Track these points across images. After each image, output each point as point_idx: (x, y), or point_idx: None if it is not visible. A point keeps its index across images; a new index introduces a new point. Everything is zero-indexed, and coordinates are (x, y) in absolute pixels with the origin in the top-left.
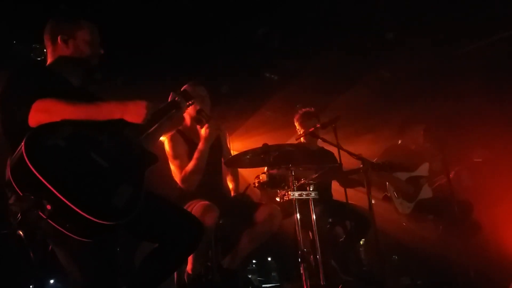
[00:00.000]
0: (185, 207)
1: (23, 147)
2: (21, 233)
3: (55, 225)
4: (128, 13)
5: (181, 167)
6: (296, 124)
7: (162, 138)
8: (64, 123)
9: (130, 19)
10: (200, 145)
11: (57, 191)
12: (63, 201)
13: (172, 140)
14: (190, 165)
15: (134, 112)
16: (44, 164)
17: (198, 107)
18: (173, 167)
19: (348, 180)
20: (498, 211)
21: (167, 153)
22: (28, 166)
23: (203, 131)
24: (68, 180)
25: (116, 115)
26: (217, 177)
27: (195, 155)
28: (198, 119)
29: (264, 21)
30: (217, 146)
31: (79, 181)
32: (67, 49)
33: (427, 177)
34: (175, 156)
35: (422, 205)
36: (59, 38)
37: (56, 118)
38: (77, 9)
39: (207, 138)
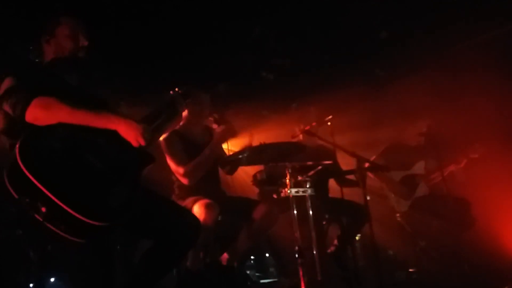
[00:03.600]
0: (184, 204)
1: (17, 150)
2: (20, 233)
3: (51, 227)
4: (125, 13)
5: (181, 162)
6: (297, 127)
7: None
8: (59, 125)
9: (127, 19)
10: (211, 144)
11: (51, 193)
12: (57, 203)
13: (167, 139)
14: (196, 161)
15: (128, 130)
16: (38, 166)
17: (200, 112)
18: (171, 163)
19: (344, 179)
20: (493, 207)
21: (164, 151)
22: (22, 168)
23: (216, 132)
24: (62, 182)
25: (112, 127)
26: (214, 174)
27: (204, 151)
28: (216, 121)
29: (260, 21)
30: None
31: (73, 182)
32: (51, 49)
33: (422, 175)
34: (173, 153)
35: (418, 202)
36: (42, 40)
37: (53, 116)
38: (71, 9)
39: (220, 139)
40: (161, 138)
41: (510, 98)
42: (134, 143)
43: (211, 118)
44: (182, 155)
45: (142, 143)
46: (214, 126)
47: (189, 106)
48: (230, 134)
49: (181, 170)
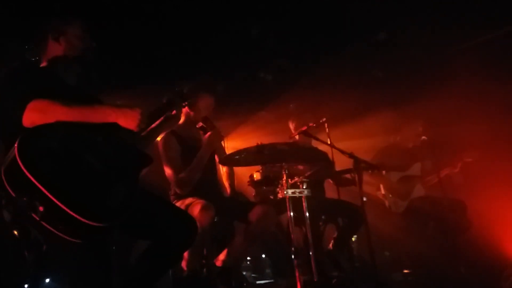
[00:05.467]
0: (180, 205)
1: (16, 148)
2: (15, 232)
3: (48, 227)
4: (124, 13)
5: (175, 170)
6: (291, 125)
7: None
8: (58, 124)
9: (126, 19)
10: (200, 152)
11: (49, 192)
12: (55, 202)
13: (165, 142)
14: (188, 171)
15: (127, 119)
16: (37, 165)
17: (203, 114)
18: (167, 169)
19: (341, 179)
20: (488, 208)
21: (160, 154)
22: (21, 167)
23: (204, 138)
24: (61, 181)
25: (111, 119)
26: (213, 176)
27: (194, 161)
28: (202, 127)
29: (259, 21)
30: None
31: (72, 182)
32: (59, 47)
33: (419, 177)
34: (169, 159)
35: (415, 203)
36: (49, 37)
37: (51, 118)
38: (69, 8)
39: (207, 146)
40: (158, 138)
41: (506, 102)
42: (136, 129)
43: (197, 126)
44: (177, 162)
45: (143, 126)
46: (201, 133)
47: (189, 106)
48: (217, 139)
49: (176, 179)
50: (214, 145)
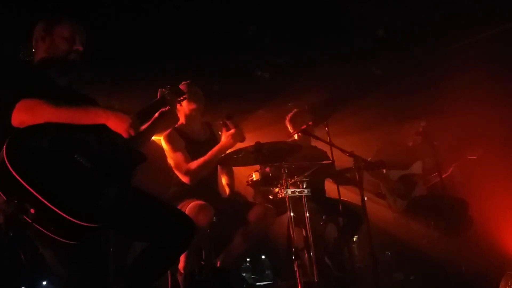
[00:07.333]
0: (179, 206)
1: (4, 150)
2: (11, 234)
3: (40, 228)
4: (118, 12)
5: (184, 159)
6: (289, 125)
7: (156, 138)
8: (48, 125)
9: (120, 18)
10: (218, 146)
11: (39, 194)
12: (46, 204)
13: (169, 137)
14: (201, 160)
15: (118, 122)
16: (26, 167)
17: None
18: (174, 160)
19: (341, 178)
20: (490, 207)
21: (165, 150)
22: (10, 170)
23: (224, 136)
24: (51, 183)
25: (101, 121)
26: (212, 176)
27: (210, 152)
28: (225, 123)
29: (257, 19)
30: (211, 144)
31: (62, 183)
32: (43, 46)
33: (420, 175)
34: (175, 150)
35: (415, 202)
36: (37, 37)
37: (40, 118)
38: (63, 8)
39: (228, 143)
40: (161, 138)
41: (509, 98)
42: (125, 135)
43: (220, 122)
44: (184, 152)
45: (132, 133)
46: (223, 129)
47: (187, 102)
48: (239, 139)
49: (184, 168)
50: (234, 143)
